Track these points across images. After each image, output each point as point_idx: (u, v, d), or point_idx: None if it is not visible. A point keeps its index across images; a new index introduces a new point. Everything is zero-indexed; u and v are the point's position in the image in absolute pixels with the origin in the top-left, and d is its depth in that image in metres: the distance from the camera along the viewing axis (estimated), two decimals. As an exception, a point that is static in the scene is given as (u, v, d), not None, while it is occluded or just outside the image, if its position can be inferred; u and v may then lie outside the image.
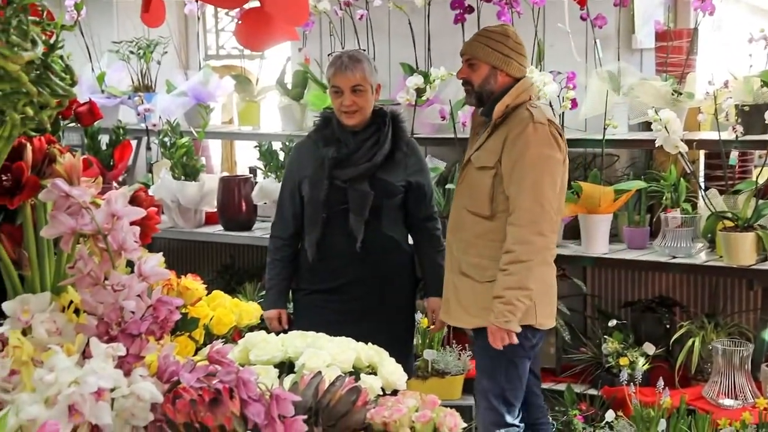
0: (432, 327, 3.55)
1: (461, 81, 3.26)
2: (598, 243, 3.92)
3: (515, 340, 3.02)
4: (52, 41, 1.36)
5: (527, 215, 3.01)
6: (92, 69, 4.90)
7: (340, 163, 3.29)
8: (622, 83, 3.99)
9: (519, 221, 3.02)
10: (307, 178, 3.35)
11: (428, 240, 3.45)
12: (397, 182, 3.34)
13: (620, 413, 3.65)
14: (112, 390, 1.21)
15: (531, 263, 3.00)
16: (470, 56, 3.19)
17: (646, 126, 3.99)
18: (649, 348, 3.86)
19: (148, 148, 4.94)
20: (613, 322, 3.99)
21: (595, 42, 4.04)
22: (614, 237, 4.07)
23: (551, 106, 3.96)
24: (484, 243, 3.13)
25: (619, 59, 4.07)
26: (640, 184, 3.95)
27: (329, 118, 3.38)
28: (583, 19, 3.98)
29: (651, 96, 3.91)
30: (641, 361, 3.81)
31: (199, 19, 5.15)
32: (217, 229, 4.63)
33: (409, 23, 4.35)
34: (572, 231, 4.10)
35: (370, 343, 1.78)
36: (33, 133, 1.45)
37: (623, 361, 3.80)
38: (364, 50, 4.40)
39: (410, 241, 3.49)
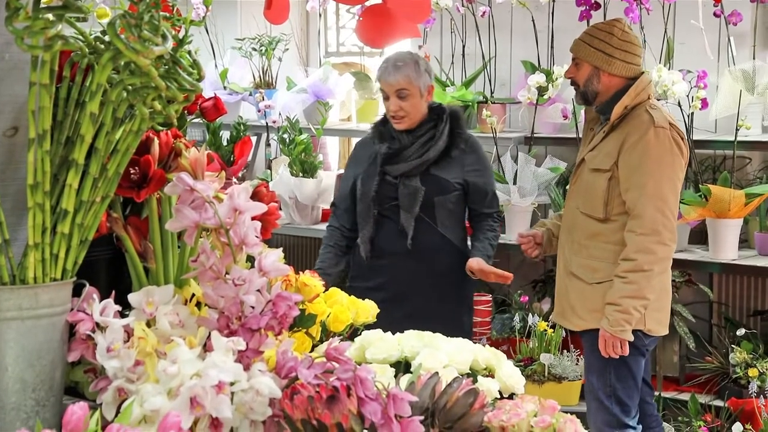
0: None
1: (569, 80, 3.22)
2: (726, 248, 3.78)
3: (626, 351, 2.98)
4: (180, 36, 1.38)
5: (649, 224, 2.94)
6: (215, 65, 5.01)
7: (391, 158, 3.30)
8: (757, 82, 3.83)
9: (641, 229, 2.95)
10: (360, 174, 3.37)
11: (483, 230, 3.37)
12: (452, 179, 3.31)
13: (749, 426, 3.52)
14: (231, 384, 1.21)
15: (652, 273, 2.95)
16: (575, 55, 3.15)
17: (782, 127, 3.82)
18: (781, 360, 3.70)
19: (268, 145, 5.02)
20: (741, 331, 3.86)
21: (729, 39, 3.88)
22: (744, 243, 3.92)
23: (680, 105, 3.82)
24: (595, 245, 3.07)
25: (754, 57, 3.90)
26: (774, 188, 3.77)
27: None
28: (716, 15, 3.82)
29: (789, 96, 3.74)
30: (772, 373, 3.64)
31: (320, 16, 5.20)
32: (334, 225, 4.66)
33: (533, 20, 4.28)
34: (699, 235, 3.95)
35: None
36: (160, 128, 1.47)
37: (752, 372, 3.66)
38: (485, 47, 4.34)
39: (468, 242, 3.40)
